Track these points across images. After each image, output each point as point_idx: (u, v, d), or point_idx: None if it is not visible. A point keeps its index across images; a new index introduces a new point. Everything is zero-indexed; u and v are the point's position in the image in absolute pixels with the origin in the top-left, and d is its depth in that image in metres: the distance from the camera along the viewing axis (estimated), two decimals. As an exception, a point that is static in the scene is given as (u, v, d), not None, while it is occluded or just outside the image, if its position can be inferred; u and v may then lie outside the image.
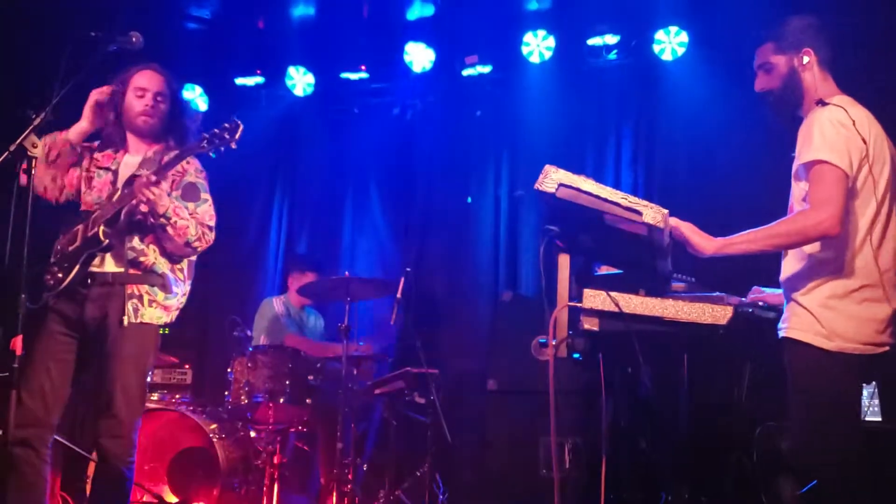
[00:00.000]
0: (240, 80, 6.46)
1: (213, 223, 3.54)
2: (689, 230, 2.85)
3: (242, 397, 4.73)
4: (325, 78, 6.35)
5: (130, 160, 3.56)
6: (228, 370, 4.85)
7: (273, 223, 6.70)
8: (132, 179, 3.40)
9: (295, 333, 5.52)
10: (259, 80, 6.46)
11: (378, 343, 5.58)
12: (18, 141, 2.85)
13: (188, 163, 3.58)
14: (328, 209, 6.57)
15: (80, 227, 3.43)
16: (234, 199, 6.53)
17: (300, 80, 6.33)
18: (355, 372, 4.99)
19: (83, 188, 3.52)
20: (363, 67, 6.30)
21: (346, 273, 5.07)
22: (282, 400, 4.69)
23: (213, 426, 4.72)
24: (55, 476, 4.53)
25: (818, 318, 2.65)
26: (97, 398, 3.28)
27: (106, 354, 3.29)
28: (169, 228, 3.36)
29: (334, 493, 4.65)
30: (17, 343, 2.77)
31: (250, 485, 4.72)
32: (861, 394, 2.78)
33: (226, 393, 4.86)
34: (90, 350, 3.35)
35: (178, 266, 3.53)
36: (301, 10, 6.08)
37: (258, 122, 6.62)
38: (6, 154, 2.90)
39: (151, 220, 3.37)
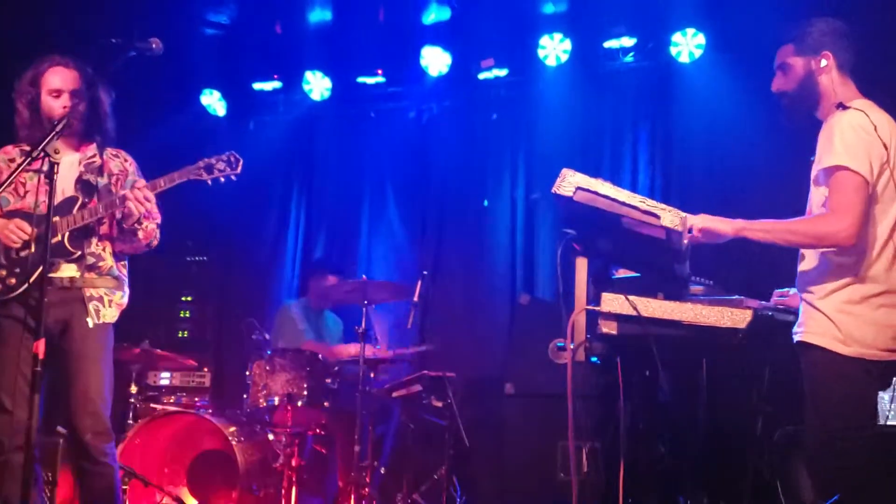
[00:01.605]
0: (257, 85, 6.52)
1: (159, 220, 3.53)
2: (707, 219, 2.81)
3: (261, 400, 4.75)
4: (342, 82, 6.38)
5: (62, 160, 3.42)
6: (247, 373, 4.87)
7: (290, 227, 6.72)
8: (90, 188, 3.39)
9: (313, 340, 5.52)
10: (277, 84, 6.52)
11: (395, 346, 5.58)
12: (42, 147, 2.90)
13: (127, 161, 3.57)
14: (345, 213, 6.58)
15: (28, 230, 3.27)
16: (251, 203, 6.60)
17: (317, 85, 6.35)
18: (372, 375, 5.00)
19: (11, 198, 3.42)
20: (380, 71, 6.33)
21: (364, 276, 5.09)
22: (300, 403, 4.70)
23: (232, 429, 4.75)
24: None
25: (835, 322, 2.63)
26: (74, 400, 3.29)
27: (76, 357, 3.32)
28: (140, 232, 3.40)
29: (352, 496, 4.67)
30: (40, 347, 2.81)
31: (269, 487, 4.74)
32: (877, 399, 2.76)
33: (244, 396, 4.88)
34: (53, 353, 3.29)
35: (122, 262, 3.55)
36: (318, 15, 6.10)
37: (276, 126, 6.69)
38: (29, 159, 2.96)
39: (125, 226, 3.37)
